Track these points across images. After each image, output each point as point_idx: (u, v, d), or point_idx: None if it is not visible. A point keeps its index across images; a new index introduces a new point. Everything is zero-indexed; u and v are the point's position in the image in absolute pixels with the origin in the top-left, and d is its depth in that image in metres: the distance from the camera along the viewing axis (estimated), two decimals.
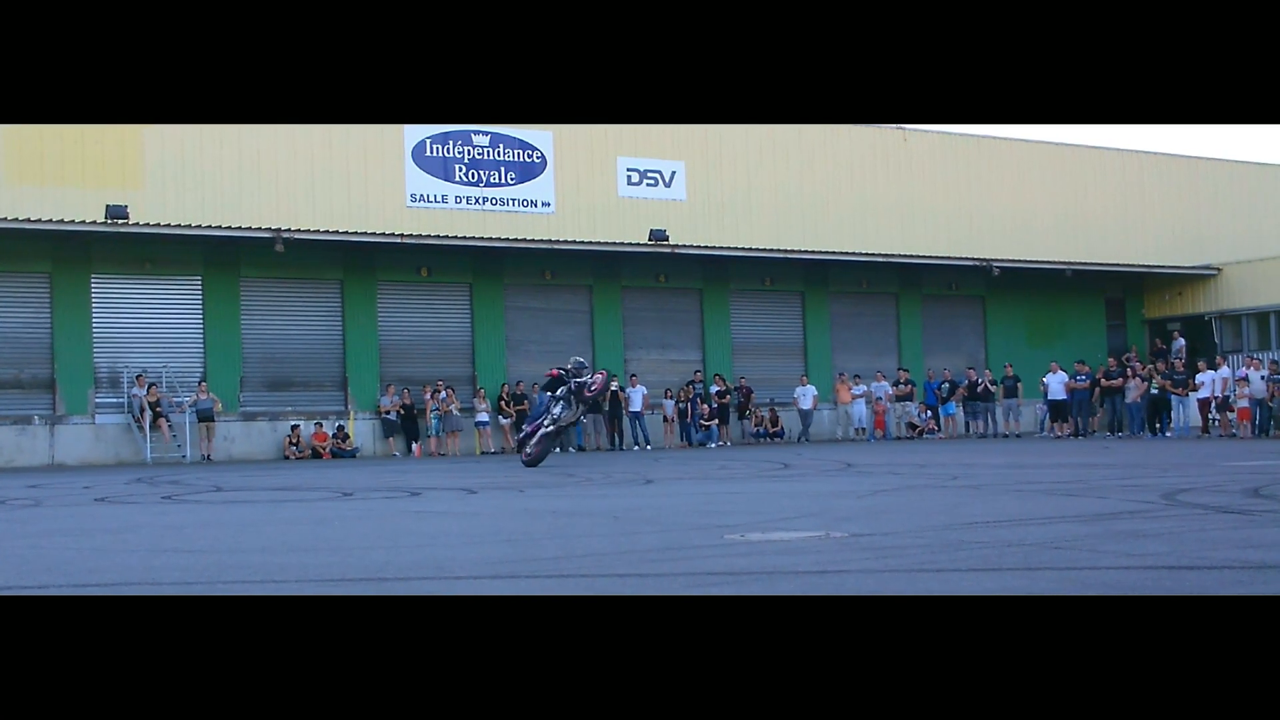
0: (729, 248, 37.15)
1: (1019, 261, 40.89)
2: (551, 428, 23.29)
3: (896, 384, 38.91)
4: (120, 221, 30.01)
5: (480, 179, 36.31)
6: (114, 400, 31.36)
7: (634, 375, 35.87)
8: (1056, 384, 37.21)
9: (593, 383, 23.85)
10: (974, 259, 40.21)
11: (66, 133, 30.87)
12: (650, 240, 36.25)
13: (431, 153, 35.76)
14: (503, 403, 34.43)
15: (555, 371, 24.49)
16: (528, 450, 23.45)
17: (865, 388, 38.23)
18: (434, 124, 34.60)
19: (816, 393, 37.99)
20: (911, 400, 39.11)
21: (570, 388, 23.41)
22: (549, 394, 24.17)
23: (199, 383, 31.63)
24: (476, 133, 36.07)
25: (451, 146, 35.95)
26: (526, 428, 24.87)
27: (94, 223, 29.85)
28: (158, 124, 29.26)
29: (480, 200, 36.22)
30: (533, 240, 34.54)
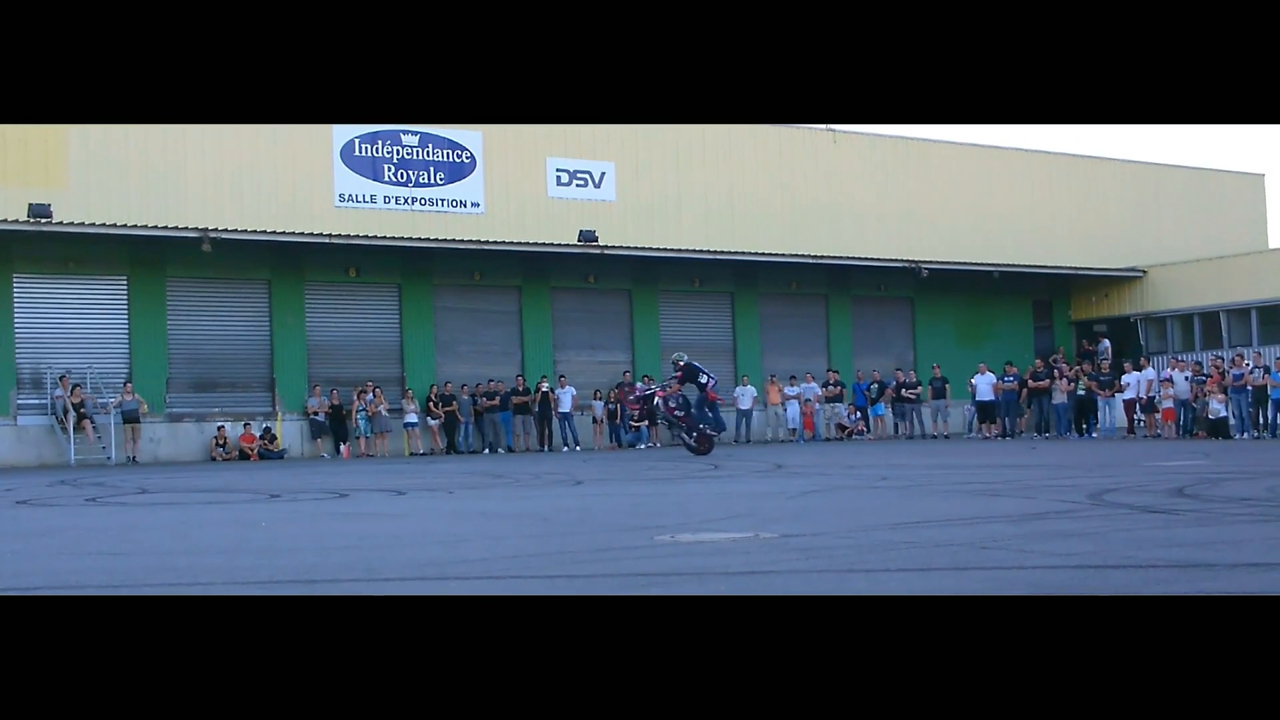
0: (658, 248, 37.19)
1: (947, 263, 41.17)
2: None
3: (826, 385, 39.04)
4: (43, 220, 29.67)
5: (409, 179, 36.17)
6: (37, 401, 31.00)
7: (563, 376, 35.82)
8: (984, 385, 37.49)
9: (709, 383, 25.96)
10: (903, 260, 40.45)
11: None
12: (580, 241, 36.22)
13: (360, 152, 35.59)
14: (431, 404, 34.32)
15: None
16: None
17: (798, 389, 38.34)
18: (362, 124, 34.43)
19: (755, 393, 38.08)
20: (841, 401, 39.26)
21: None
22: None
23: (124, 384, 31.32)
24: (405, 132, 35.93)
25: (380, 146, 35.79)
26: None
27: (16, 221, 29.49)
28: (81, 124, 28.95)
29: (409, 200, 36.08)
30: (462, 241, 34.43)
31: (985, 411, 37.62)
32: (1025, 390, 37.18)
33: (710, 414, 27.17)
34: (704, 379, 26.97)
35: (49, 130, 31.21)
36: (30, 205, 29.77)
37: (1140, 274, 44.07)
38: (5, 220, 29.38)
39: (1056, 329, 45.78)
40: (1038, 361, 39.13)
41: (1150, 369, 35.99)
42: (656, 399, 26.42)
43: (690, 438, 26.63)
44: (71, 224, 29.95)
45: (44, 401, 30.97)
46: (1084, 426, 35.69)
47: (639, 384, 26.33)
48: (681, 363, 27.28)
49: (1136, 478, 16.12)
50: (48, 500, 17.21)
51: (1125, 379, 35.20)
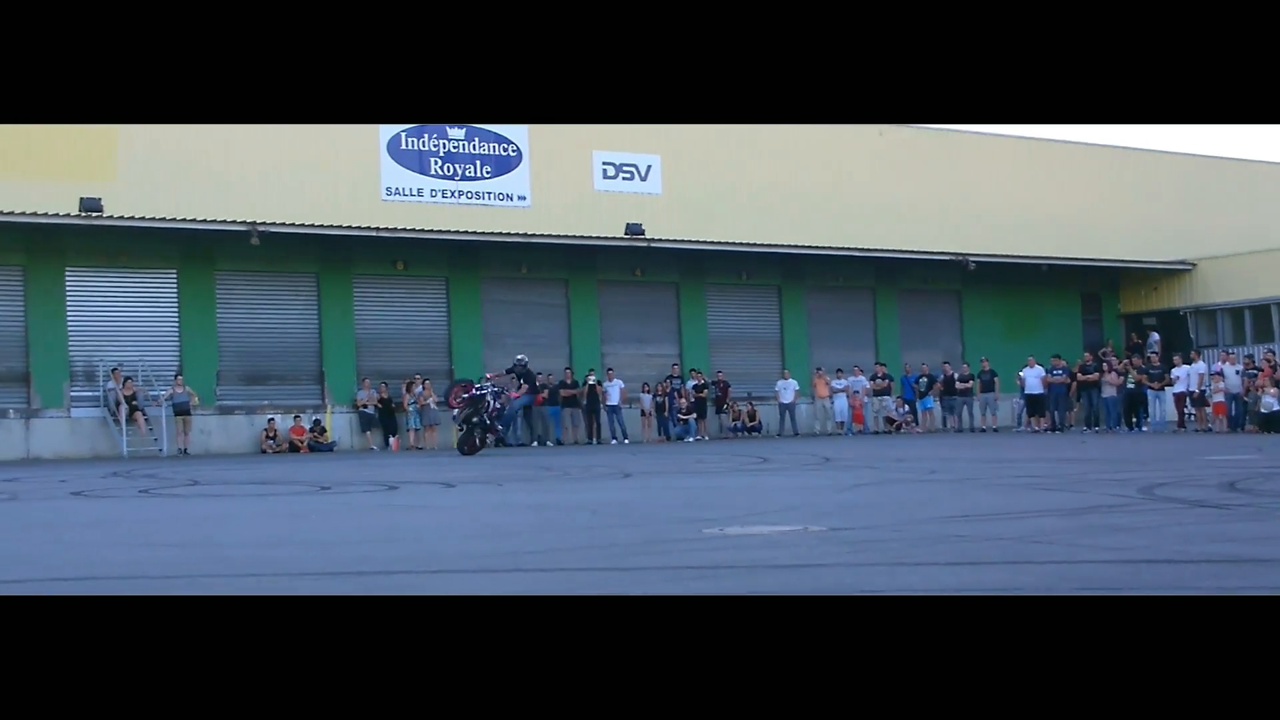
0: (705, 242, 37.13)
1: (995, 256, 40.98)
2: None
3: (874, 378, 38.96)
4: (94, 214, 29.90)
5: (456, 172, 36.26)
6: (89, 394, 31.25)
7: (611, 369, 35.84)
8: (1033, 378, 37.32)
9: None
10: (950, 253, 40.29)
11: (40, 126, 30.70)
12: (626, 234, 36.22)
13: (407, 146, 35.70)
14: None
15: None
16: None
17: (845, 382, 38.28)
18: (408, 123, 34.53)
19: (798, 387, 38.03)
20: (889, 395, 39.16)
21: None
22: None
23: (175, 376, 31.54)
24: (452, 126, 36.01)
25: (427, 140, 35.89)
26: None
27: (68, 216, 29.74)
28: (131, 124, 29.09)
29: (456, 194, 36.18)
30: (508, 234, 34.51)
31: (1034, 405, 37.46)
32: (1074, 384, 36.99)
33: (517, 419, 27.61)
34: (538, 384, 27.51)
35: (99, 126, 31.41)
36: (81, 199, 30.00)
37: (1190, 267, 43.75)
38: (57, 214, 29.62)
39: (1105, 322, 45.51)
40: (1087, 355, 38.91)
41: (1201, 362, 35.74)
42: (488, 398, 26.30)
43: (481, 437, 26.52)
44: (122, 218, 30.17)
45: (97, 394, 31.22)
46: (1134, 420, 35.48)
47: (478, 383, 26.29)
48: (525, 364, 28.11)
49: (1187, 472, 16.02)
50: (102, 492, 17.36)
51: (1175, 372, 34.97)
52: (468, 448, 26.08)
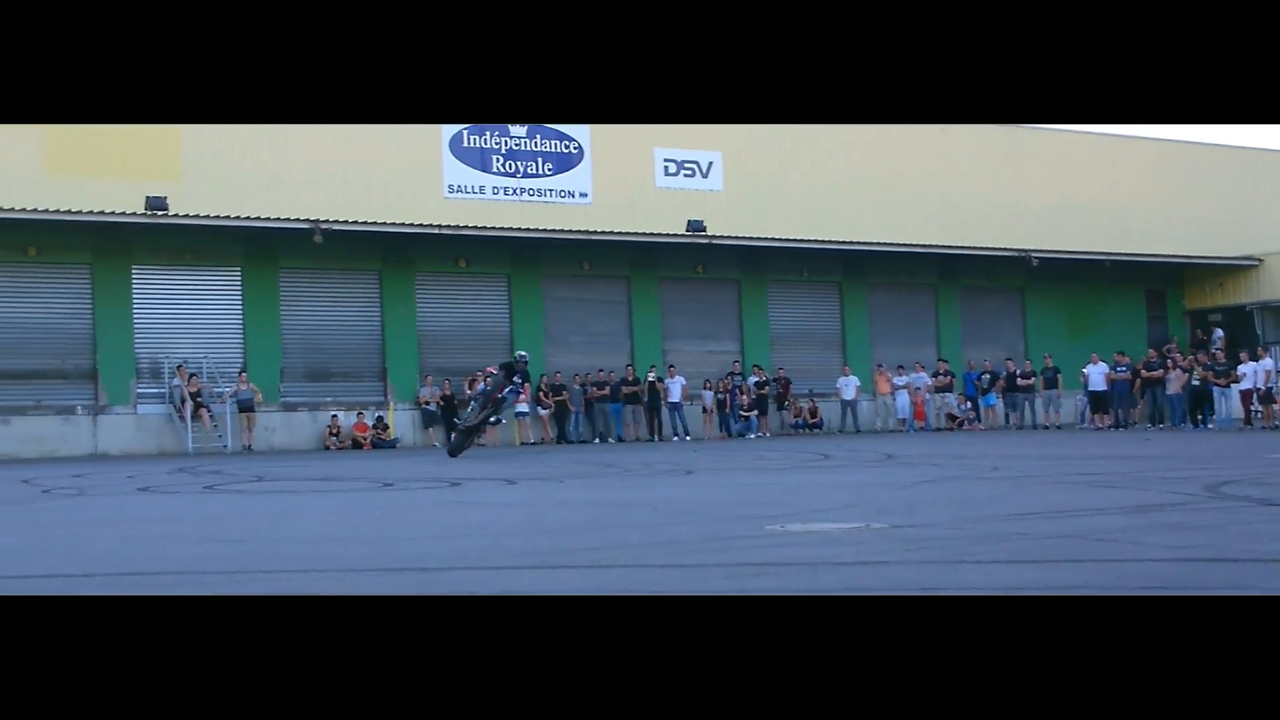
0: (766, 238, 37.07)
1: (1058, 252, 40.72)
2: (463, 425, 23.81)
3: (936, 375, 38.82)
4: (160, 213, 30.18)
5: (517, 170, 36.37)
6: (155, 390, 31.55)
7: (672, 366, 35.87)
8: (1097, 375, 37.09)
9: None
10: (1013, 250, 40.08)
11: (108, 127, 30.99)
12: (688, 231, 36.23)
13: (469, 144, 35.83)
14: (541, 393, 34.49)
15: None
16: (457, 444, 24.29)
17: (906, 379, 38.17)
18: (469, 124, 34.66)
19: (859, 383, 37.96)
20: (951, 391, 39.00)
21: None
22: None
23: (239, 373, 31.79)
24: (514, 124, 36.11)
25: (488, 138, 36.01)
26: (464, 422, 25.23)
27: (134, 214, 30.02)
28: (195, 124, 29.22)
29: (517, 191, 36.28)
30: (570, 231, 34.59)
31: (1098, 402, 37.22)
32: (1138, 380, 36.72)
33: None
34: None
35: (165, 126, 31.70)
36: (147, 198, 30.29)
37: (1256, 262, 43.30)
38: (124, 213, 29.92)
39: (1170, 318, 45.13)
40: (1151, 351, 38.62)
41: (1268, 359, 35.37)
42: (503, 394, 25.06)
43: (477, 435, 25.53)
44: (187, 216, 30.43)
45: (162, 391, 31.52)
46: (1199, 417, 35.17)
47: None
48: (527, 362, 26.78)
49: (1254, 470, 15.87)
50: (167, 488, 17.50)
51: (1241, 369, 34.63)
52: (459, 452, 24.82)
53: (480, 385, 23.40)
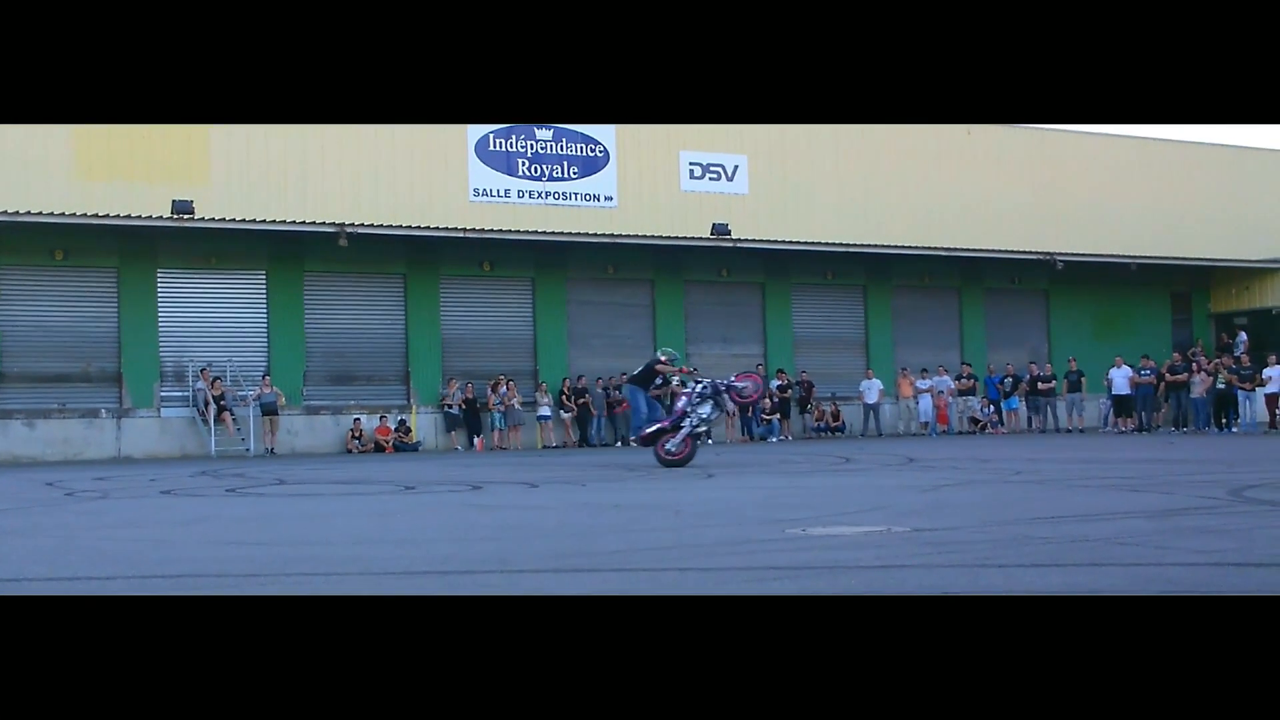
0: (791, 241, 37.02)
1: (1083, 255, 40.58)
2: (703, 427, 22.33)
3: (959, 378, 38.74)
4: (186, 216, 30.26)
5: (543, 173, 36.39)
6: (179, 394, 31.64)
7: (695, 369, 35.79)
8: (1121, 379, 36.97)
9: (745, 388, 22.83)
10: (1037, 253, 39.96)
11: (134, 129, 31.11)
12: (712, 234, 36.19)
13: (494, 147, 35.86)
14: (564, 397, 34.51)
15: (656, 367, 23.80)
16: (669, 449, 21.62)
17: (929, 382, 38.10)
18: (496, 123, 34.71)
19: (882, 386, 37.91)
20: (974, 395, 38.91)
21: (713, 386, 22.35)
22: (642, 386, 23.60)
23: (263, 376, 31.86)
24: (540, 127, 36.15)
25: (514, 141, 36.04)
26: (650, 425, 23.13)
27: (160, 218, 30.12)
28: (222, 124, 29.37)
29: (543, 194, 36.31)
30: (595, 234, 34.59)
31: (1121, 405, 37.11)
32: (1163, 384, 36.59)
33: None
34: (726, 383, 23.48)
35: (192, 129, 31.81)
36: (174, 202, 30.37)
37: None
38: (150, 216, 30.02)
39: (1195, 321, 44.94)
40: (1176, 355, 38.48)
41: None
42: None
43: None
44: (213, 220, 30.51)
45: (186, 394, 31.61)
46: (1224, 421, 35.04)
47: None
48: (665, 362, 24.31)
49: (1279, 474, 15.81)
50: (190, 490, 17.55)
51: (1267, 373, 34.49)
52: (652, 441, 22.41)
53: (681, 402, 22.59)
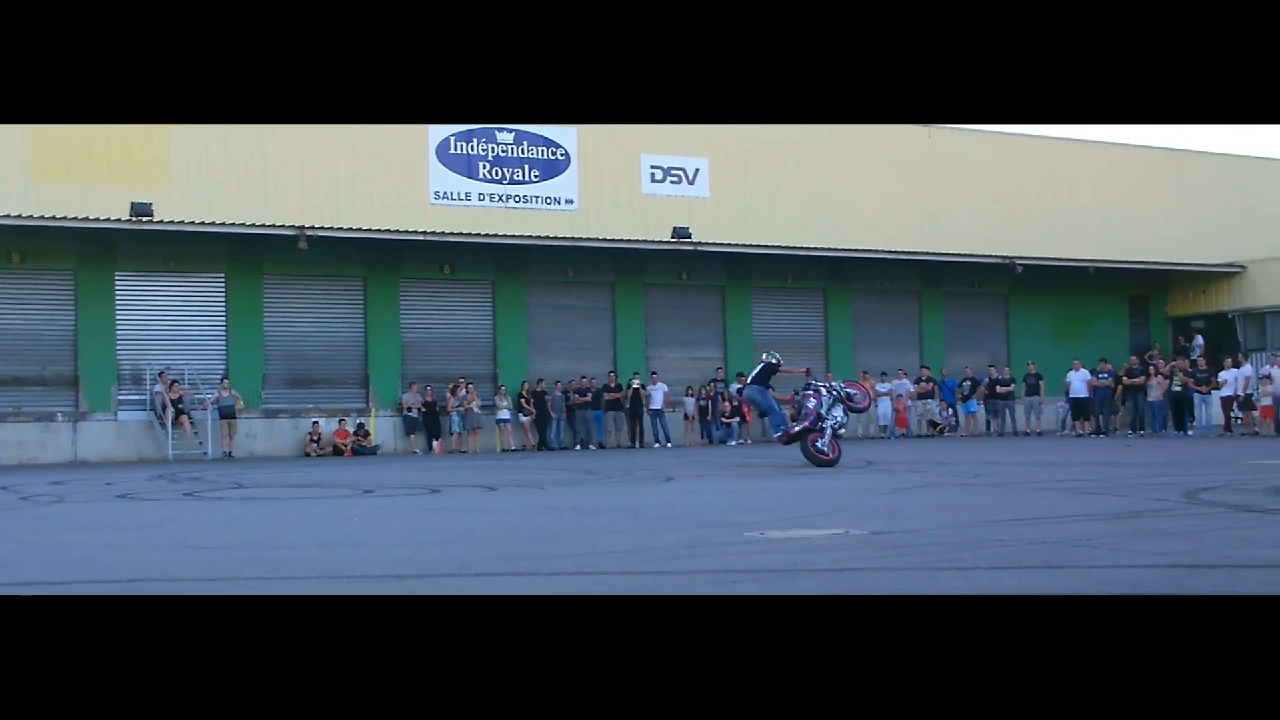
0: (752, 245, 37.05)
1: (1042, 259, 40.74)
2: (843, 430, 22.61)
3: (918, 381, 38.86)
4: (145, 219, 30.09)
5: (504, 176, 36.33)
6: (136, 397, 31.44)
7: (655, 373, 35.85)
8: (1079, 382, 37.13)
9: (856, 394, 23.19)
10: (997, 256, 40.09)
11: (92, 130, 30.92)
12: (673, 238, 36.19)
13: (455, 150, 35.78)
14: (523, 400, 34.46)
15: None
16: (820, 447, 21.81)
17: (889, 385, 38.19)
18: (458, 124, 34.67)
19: None
20: (933, 398, 39.04)
21: (839, 391, 22.66)
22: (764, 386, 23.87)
23: (221, 380, 31.70)
24: (500, 130, 36.08)
25: (475, 144, 35.97)
26: (791, 425, 23.12)
27: (119, 220, 29.94)
28: (182, 124, 29.15)
29: (503, 198, 36.23)
30: (556, 238, 34.54)
31: (1079, 408, 37.27)
32: (1120, 387, 36.79)
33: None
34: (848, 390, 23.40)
35: (151, 131, 31.62)
36: (132, 204, 30.19)
37: (1239, 269, 43.38)
38: (108, 219, 29.84)
39: (1153, 325, 45.18)
40: (1133, 358, 38.69)
41: (1249, 365, 35.47)
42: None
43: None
44: (172, 222, 30.35)
45: (143, 397, 31.41)
46: (1181, 423, 35.25)
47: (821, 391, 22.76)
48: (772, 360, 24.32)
49: (1234, 476, 15.92)
50: (147, 494, 17.47)
51: (1223, 376, 34.71)
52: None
53: (812, 403, 22.77)
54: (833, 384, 22.90)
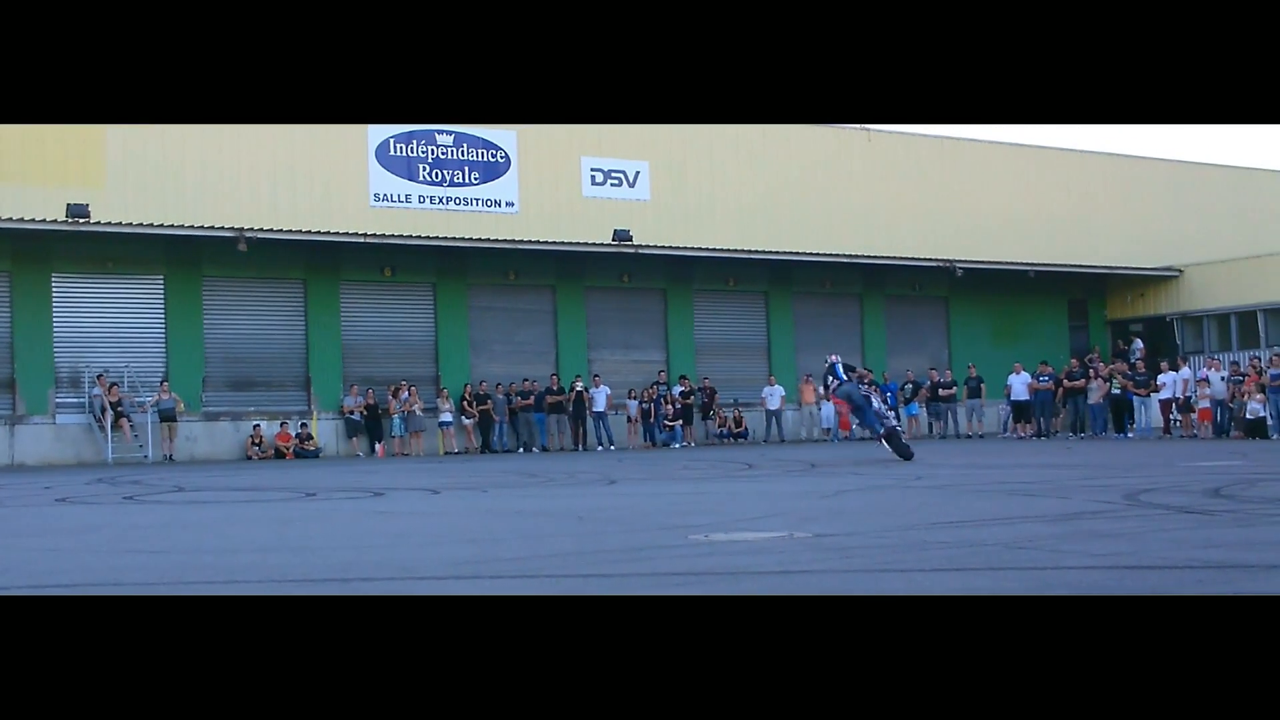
0: (693, 248, 37.16)
1: (982, 262, 41.03)
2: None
3: (861, 384, 38.97)
4: (81, 220, 29.85)
5: (444, 179, 36.25)
6: (75, 400, 31.19)
7: (597, 375, 35.85)
8: (1020, 385, 37.38)
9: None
10: (938, 260, 40.33)
11: (27, 130, 30.66)
12: (614, 240, 36.23)
13: (395, 152, 35.68)
14: (465, 403, 34.39)
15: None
16: (906, 441, 23.75)
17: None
18: (398, 124, 34.56)
19: (784, 393, 38.06)
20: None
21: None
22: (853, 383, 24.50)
23: (161, 382, 31.48)
24: (440, 132, 36.02)
25: (415, 146, 35.88)
26: (890, 421, 23.51)
27: (55, 221, 29.68)
28: (118, 124, 28.99)
29: (444, 200, 36.17)
30: (496, 240, 34.49)
31: (1020, 411, 37.52)
32: (1061, 390, 37.08)
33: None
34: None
35: (87, 131, 31.37)
36: (69, 205, 29.95)
37: (1177, 273, 43.83)
38: (44, 220, 29.58)
39: (1092, 328, 45.57)
40: (1073, 361, 39.00)
41: (1186, 368, 35.81)
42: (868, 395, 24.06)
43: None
44: (109, 224, 30.12)
45: (82, 400, 31.17)
46: (1121, 426, 35.53)
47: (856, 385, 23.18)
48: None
49: (1173, 478, 16.03)
50: (86, 498, 17.31)
51: (1161, 379, 35.03)
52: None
53: (876, 403, 23.45)
54: (862, 384, 24.11)
